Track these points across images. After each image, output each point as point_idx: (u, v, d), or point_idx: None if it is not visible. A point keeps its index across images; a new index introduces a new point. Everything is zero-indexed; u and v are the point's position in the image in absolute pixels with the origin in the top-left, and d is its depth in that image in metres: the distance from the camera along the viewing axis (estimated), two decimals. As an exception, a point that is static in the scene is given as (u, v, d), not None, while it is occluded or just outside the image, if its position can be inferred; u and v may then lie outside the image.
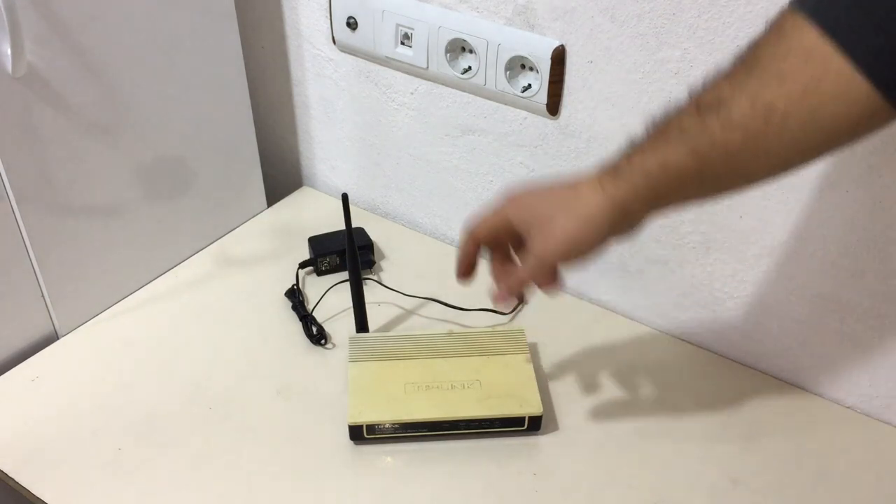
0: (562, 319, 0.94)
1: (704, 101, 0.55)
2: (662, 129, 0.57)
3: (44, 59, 0.77)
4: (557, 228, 0.61)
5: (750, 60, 0.53)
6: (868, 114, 0.50)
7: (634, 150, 0.59)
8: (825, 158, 0.56)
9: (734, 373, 0.88)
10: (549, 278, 0.64)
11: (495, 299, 0.68)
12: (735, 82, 0.53)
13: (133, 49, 0.85)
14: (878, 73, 0.48)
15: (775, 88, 0.51)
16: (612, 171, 0.60)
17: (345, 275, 0.94)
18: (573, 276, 0.97)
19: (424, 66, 0.92)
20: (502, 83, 0.87)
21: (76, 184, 0.85)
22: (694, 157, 0.55)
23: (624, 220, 0.60)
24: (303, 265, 1.00)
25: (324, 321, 0.92)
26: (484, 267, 0.71)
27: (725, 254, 0.84)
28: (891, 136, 0.69)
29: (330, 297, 0.95)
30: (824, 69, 0.49)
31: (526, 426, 0.78)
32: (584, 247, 0.61)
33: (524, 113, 0.90)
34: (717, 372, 0.88)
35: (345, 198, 0.84)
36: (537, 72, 0.84)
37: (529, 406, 0.77)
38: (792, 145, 0.52)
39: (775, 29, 0.52)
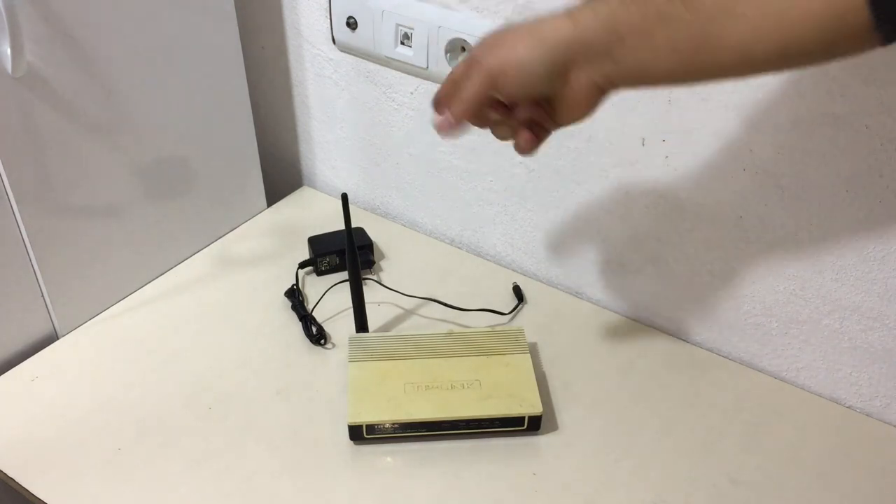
0: (562, 319, 0.94)
1: None
2: None
3: (44, 59, 0.77)
4: (506, 44, 0.57)
5: None
6: (854, 36, 0.47)
7: None
8: (791, 68, 0.54)
9: (734, 372, 0.88)
10: (465, 111, 0.59)
11: (438, 124, 0.61)
12: None
13: (133, 49, 0.85)
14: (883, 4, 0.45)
15: None
16: (584, 4, 0.55)
17: (345, 275, 0.94)
18: (573, 277, 0.98)
19: (424, 66, 0.92)
20: (502, 83, 0.87)
21: (76, 184, 0.85)
22: (655, 14, 0.52)
23: (581, 48, 0.55)
24: (303, 265, 1.00)
25: (324, 321, 0.92)
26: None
27: (725, 253, 0.84)
28: (891, 136, 0.69)
29: (330, 297, 0.95)
30: None
31: (526, 426, 0.78)
32: (528, 65, 0.56)
33: (524, 113, 0.90)
34: (716, 371, 0.88)
35: (344, 198, 0.84)
36: (537, 72, 0.84)
37: (529, 406, 0.77)
38: (749, 29, 0.49)
39: None
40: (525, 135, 0.62)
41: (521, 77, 0.57)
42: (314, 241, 1.01)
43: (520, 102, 0.61)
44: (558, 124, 0.61)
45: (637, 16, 0.53)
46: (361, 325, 0.88)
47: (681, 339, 0.92)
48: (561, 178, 0.92)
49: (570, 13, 0.55)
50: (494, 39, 0.58)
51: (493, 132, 0.64)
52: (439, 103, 0.62)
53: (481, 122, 0.62)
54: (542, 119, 0.62)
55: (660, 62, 0.54)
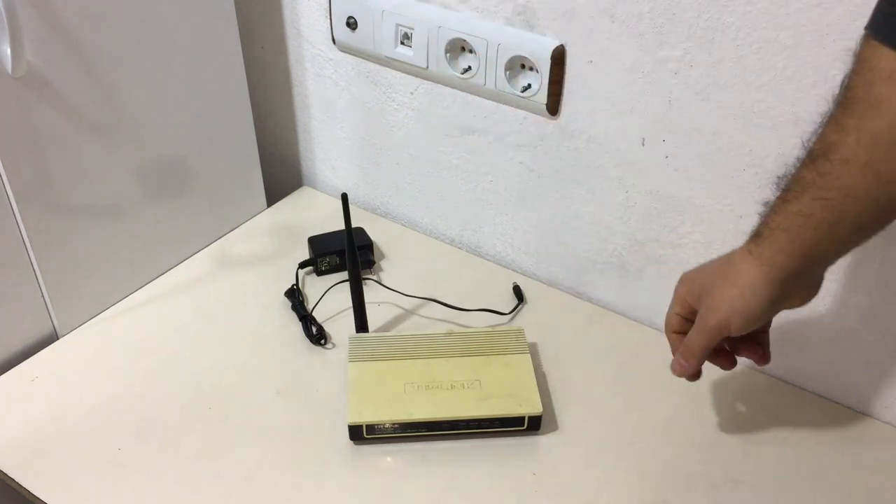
0: (562, 319, 0.94)
1: (814, 150, 0.56)
2: (787, 187, 0.59)
3: (44, 59, 0.77)
4: (719, 299, 0.64)
5: (845, 98, 0.54)
6: None
7: (769, 212, 0.61)
8: None
9: (734, 373, 0.87)
10: (724, 355, 0.71)
11: (673, 369, 0.70)
12: (837, 123, 0.55)
13: (133, 49, 0.85)
14: None
15: (874, 117, 0.52)
16: (756, 237, 0.62)
17: (345, 275, 0.94)
18: (573, 277, 0.98)
19: (424, 66, 0.92)
20: (502, 83, 0.87)
21: (76, 184, 0.85)
22: (819, 204, 0.56)
23: (788, 279, 0.61)
24: (303, 265, 1.00)
25: (324, 321, 0.92)
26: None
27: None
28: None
29: (330, 297, 0.95)
30: None
31: (526, 426, 0.78)
32: (750, 314, 0.63)
33: (524, 113, 0.90)
34: (716, 372, 0.87)
35: (344, 198, 0.84)
36: (537, 72, 0.84)
37: (529, 406, 0.77)
38: None
39: (858, 60, 0.53)
40: (756, 351, 0.71)
41: (746, 323, 0.64)
42: (314, 241, 1.01)
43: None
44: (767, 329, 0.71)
45: (822, 231, 0.58)
46: (361, 325, 0.88)
47: (681, 339, 0.92)
48: (561, 178, 0.92)
49: (749, 249, 0.62)
50: (703, 285, 0.66)
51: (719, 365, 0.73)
52: (671, 347, 0.71)
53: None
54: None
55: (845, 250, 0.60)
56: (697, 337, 0.67)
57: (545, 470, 0.76)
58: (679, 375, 0.69)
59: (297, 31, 1.04)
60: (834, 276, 0.79)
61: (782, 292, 0.62)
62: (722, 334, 0.65)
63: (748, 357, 0.71)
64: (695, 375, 0.70)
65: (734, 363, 0.72)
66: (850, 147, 0.54)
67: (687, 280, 0.69)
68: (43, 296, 0.87)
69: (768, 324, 0.70)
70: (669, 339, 0.71)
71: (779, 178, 0.60)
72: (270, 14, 1.05)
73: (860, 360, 0.81)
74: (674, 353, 0.70)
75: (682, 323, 0.69)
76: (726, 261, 0.65)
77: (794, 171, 0.59)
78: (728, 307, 0.63)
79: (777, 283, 0.61)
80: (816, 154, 0.56)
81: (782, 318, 0.83)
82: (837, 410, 0.83)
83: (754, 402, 0.84)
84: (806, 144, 0.58)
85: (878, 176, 0.53)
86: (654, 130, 0.82)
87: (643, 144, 0.84)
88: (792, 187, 0.58)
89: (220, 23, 0.94)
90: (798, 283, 0.62)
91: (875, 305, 0.78)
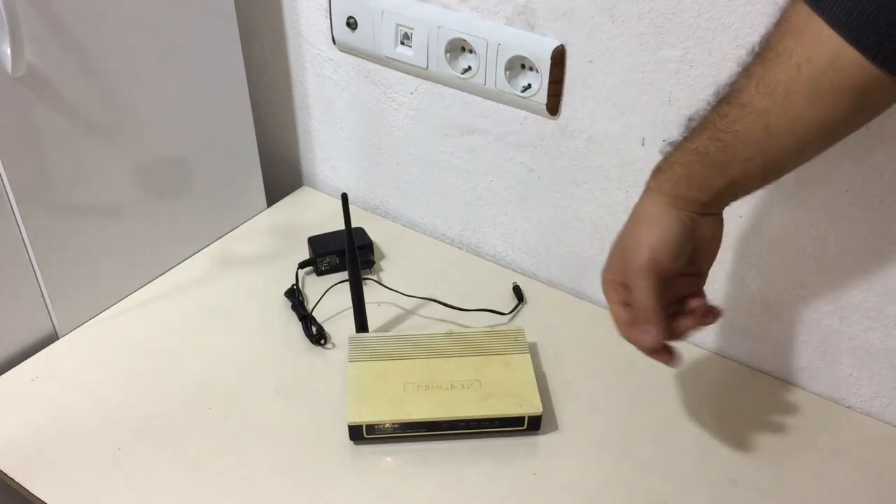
0: (562, 319, 0.94)
1: (722, 93, 0.59)
2: (691, 126, 0.62)
3: (44, 59, 0.77)
4: (636, 241, 0.63)
5: (761, 49, 0.56)
6: (867, 83, 0.52)
7: (671, 149, 0.63)
8: (845, 136, 0.58)
9: (734, 372, 0.88)
10: (656, 311, 0.63)
11: (642, 341, 0.65)
12: (746, 69, 0.57)
13: (133, 49, 0.85)
14: (863, 41, 0.50)
15: (777, 67, 0.55)
16: (656, 172, 0.63)
17: (344, 275, 0.94)
18: (573, 277, 0.98)
19: (424, 66, 0.92)
20: (502, 83, 0.87)
21: (76, 184, 0.85)
22: (714, 144, 0.59)
23: (690, 206, 0.61)
24: (303, 265, 1.00)
25: (324, 321, 0.92)
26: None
27: (725, 253, 0.84)
28: (891, 136, 0.69)
29: (330, 297, 0.95)
30: (815, 41, 0.52)
31: (526, 426, 0.78)
32: (670, 238, 0.62)
33: (524, 113, 0.90)
34: (716, 372, 0.88)
35: (344, 198, 0.84)
36: (537, 72, 0.84)
37: (529, 406, 0.77)
38: (800, 120, 0.55)
39: (780, 15, 0.56)
40: (693, 302, 0.66)
41: (670, 249, 0.62)
42: (314, 241, 1.01)
43: (675, 282, 0.64)
44: (704, 269, 0.67)
45: (713, 157, 0.59)
46: (361, 325, 0.88)
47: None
48: (561, 178, 0.92)
49: (649, 185, 0.63)
50: (620, 252, 0.65)
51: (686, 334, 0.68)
52: (631, 335, 0.66)
53: (671, 328, 0.65)
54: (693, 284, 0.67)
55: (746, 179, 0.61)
56: (638, 289, 0.63)
57: (545, 470, 0.76)
58: (651, 346, 0.64)
59: (297, 31, 1.04)
60: (833, 276, 0.79)
61: (689, 218, 0.62)
62: (657, 269, 0.62)
63: (700, 321, 0.66)
64: (668, 354, 0.65)
65: (713, 311, 0.67)
66: (749, 92, 0.56)
67: (606, 269, 0.67)
68: (43, 296, 0.87)
69: (702, 276, 0.67)
70: (629, 336, 0.66)
71: (689, 118, 0.62)
72: (270, 14, 1.05)
73: (861, 360, 0.81)
74: (630, 336, 0.66)
75: (630, 310, 0.66)
76: (629, 217, 0.65)
77: (700, 113, 0.61)
78: (647, 239, 0.62)
79: (681, 209, 0.61)
80: (721, 97, 0.59)
81: (782, 318, 0.84)
82: (838, 410, 0.83)
83: (754, 402, 0.84)
84: (717, 90, 0.60)
85: (768, 127, 0.56)
86: (654, 130, 0.82)
87: (643, 144, 0.84)
88: (696, 127, 0.61)
89: (220, 23, 0.94)
90: (700, 212, 0.62)
91: (876, 307, 0.78)
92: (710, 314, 0.67)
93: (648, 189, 0.64)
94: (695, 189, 0.61)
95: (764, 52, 0.56)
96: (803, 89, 0.54)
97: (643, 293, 0.63)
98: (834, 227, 0.76)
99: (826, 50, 0.52)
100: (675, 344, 0.66)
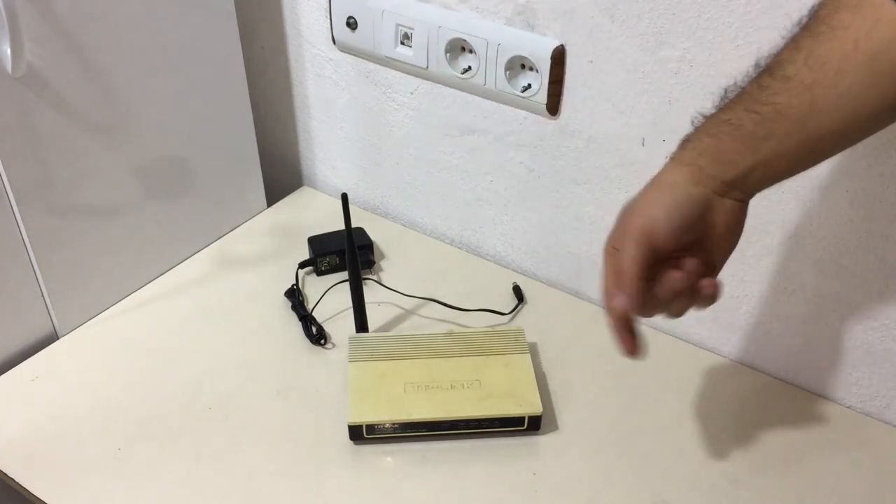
0: (562, 319, 0.94)
1: (763, 65, 0.55)
2: (728, 97, 0.57)
3: (44, 59, 0.77)
4: (640, 204, 0.59)
5: (809, 20, 0.53)
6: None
7: (703, 120, 0.59)
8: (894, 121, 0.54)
9: (734, 372, 0.88)
10: (634, 278, 0.58)
11: (611, 306, 0.60)
12: (793, 41, 0.54)
13: (133, 49, 0.85)
14: None
15: (830, 41, 0.51)
16: (683, 142, 0.59)
17: (345, 275, 0.94)
18: (573, 277, 0.97)
19: (424, 66, 0.92)
20: (502, 83, 0.87)
21: (76, 184, 0.85)
22: (750, 116, 0.55)
23: (708, 181, 0.57)
24: (303, 265, 1.00)
25: (324, 321, 0.92)
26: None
27: (725, 254, 0.84)
28: (890, 135, 0.69)
29: (330, 297, 0.95)
30: (876, 15, 0.49)
31: (526, 426, 0.78)
32: (673, 207, 0.57)
33: (524, 113, 0.90)
34: (716, 372, 0.88)
35: (344, 198, 0.84)
36: (537, 72, 0.84)
37: (529, 406, 0.77)
38: (851, 98, 0.51)
39: None
40: (704, 281, 0.60)
41: (670, 219, 0.57)
42: (314, 241, 1.01)
43: (673, 257, 0.59)
44: (719, 261, 0.61)
45: (747, 132, 0.55)
46: (361, 325, 0.88)
47: (680, 338, 0.92)
48: (561, 178, 0.92)
49: (673, 157, 0.58)
50: (623, 216, 0.59)
51: (672, 309, 0.62)
52: (609, 295, 0.60)
53: (652, 301, 0.60)
54: (700, 268, 0.61)
55: (779, 163, 0.56)
56: (625, 252, 0.58)
57: (545, 470, 0.76)
58: (616, 311, 0.59)
59: (297, 31, 1.04)
60: (833, 276, 0.79)
61: (703, 196, 0.57)
62: (649, 237, 0.57)
63: (702, 300, 0.61)
64: (630, 335, 0.60)
65: (706, 283, 0.60)
66: (796, 65, 0.52)
67: (610, 235, 0.61)
68: (43, 296, 0.87)
69: (715, 269, 0.61)
70: (604, 303, 0.60)
71: (725, 90, 0.58)
72: (270, 14, 1.05)
73: (861, 360, 0.81)
74: (608, 295, 0.60)
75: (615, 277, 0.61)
76: (646, 184, 0.60)
77: (739, 84, 0.57)
78: (650, 204, 0.58)
79: (698, 183, 0.57)
80: (763, 69, 0.55)
81: (782, 317, 0.84)
82: (838, 411, 0.83)
83: (754, 402, 0.84)
84: (759, 63, 0.56)
85: (814, 103, 0.52)
86: (654, 130, 0.82)
87: (643, 144, 0.84)
88: (732, 98, 0.57)
89: (220, 23, 0.94)
90: (720, 192, 0.57)
91: (876, 307, 0.78)
92: (705, 292, 0.60)
93: (671, 158, 0.59)
94: (719, 164, 0.56)
95: (814, 26, 0.52)
96: (859, 66, 0.50)
97: (628, 256, 0.57)
98: (834, 226, 0.76)
99: (889, 26, 0.48)
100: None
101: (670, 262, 0.59)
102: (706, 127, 0.57)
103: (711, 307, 0.87)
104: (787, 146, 0.54)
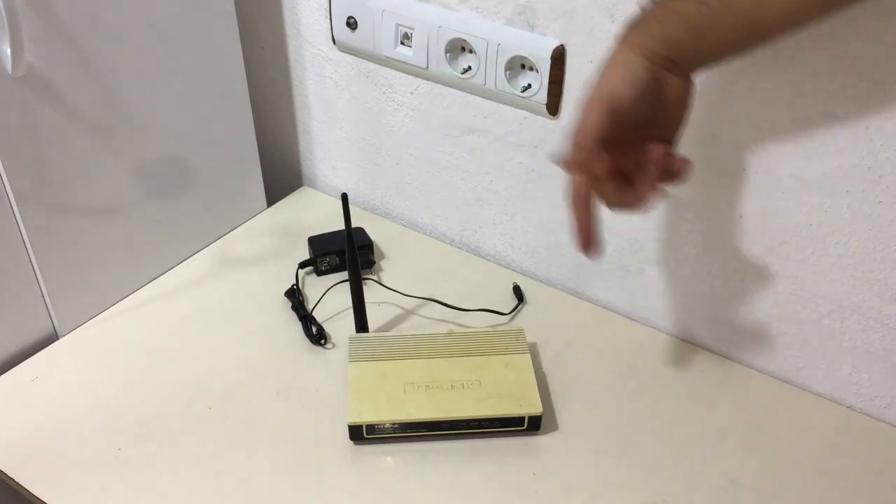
0: (562, 319, 0.94)
1: None
2: None
3: (44, 59, 0.77)
4: (600, 78, 0.62)
5: None
6: None
7: (652, 7, 0.61)
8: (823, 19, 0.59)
9: (734, 372, 0.88)
10: (594, 134, 0.61)
11: (566, 165, 0.63)
12: None
13: (133, 49, 0.85)
14: None
15: None
16: (630, 26, 0.62)
17: (345, 275, 0.94)
18: (573, 277, 0.98)
19: (424, 66, 0.92)
20: (502, 83, 0.87)
21: (76, 184, 0.85)
22: (697, 7, 0.58)
23: (658, 60, 0.60)
24: (303, 265, 1.00)
25: (324, 321, 0.92)
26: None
27: (725, 253, 0.84)
28: (891, 136, 0.69)
29: (330, 297, 0.95)
30: None
31: (526, 426, 0.78)
32: (633, 78, 0.60)
33: (524, 113, 0.90)
34: (716, 372, 0.88)
35: (344, 198, 0.84)
36: (537, 72, 0.84)
37: (529, 406, 0.77)
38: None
39: None
40: (671, 159, 0.63)
41: (632, 87, 0.60)
42: (314, 241, 1.01)
43: (629, 133, 0.62)
44: (671, 135, 0.65)
45: (692, 14, 0.59)
46: (361, 325, 0.88)
47: (681, 339, 0.92)
48: (561, 178, 0.92)
49: (621, 36, 0.61)
50: (589, 92, 0.62)
51: (615, 198, 0.65)
52: (573, 207, 0.64)
53: (603, 180, 0.63)
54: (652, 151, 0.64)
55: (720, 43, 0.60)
56: (585, 117, 0.61)
57: (545, 470, 0.76)
58: (574, 169, 0.63)
59: (297, 31, 1.04)
60: (833, 276, 0.79)
61: (656, 70, 0.60)
62: (612, 101, 0.60)
63: (665, 175, 0.63)
64: (586, 211, 0.64)
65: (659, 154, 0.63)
66: None
67: (575, 132, 0.63)
68: (43, 296, 0.87)
69: (670, 143, 0.65)
70: (570, 208, 0.65)
71: None
72: (270, 14, 1.05)
73: (861, 360, 0.81)
74: (569, 163, 0.63)
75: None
76: (601, 68, 0.63)
77: None
78: (611, 76, 0.61)
79: (651, 62, 0.60)
80: None
81: (782, 318, 0.84)
82: (838, 410, 0.83)
83: (754, 402, 0.84)
84: None
85: None
86: (654, 130, 0.82)
87: (643, 144, 0.84)
88: None
89: (220, 23, 0.94)
90: (669, 69, 0.61)
91: (876, 307, 0.78)
92: (676, 168, 0.63)
93: (621, 42, 0.61)
94: (668, 48, 0.60)
95: None
96: None
97: (589, 118, 0.61)
98: (834, 226, 0.76)
99: None
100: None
101: (637, 147, 0.62)
102: (655, 14, 0.61)
103: (711, 307, 0.88)
104: (733, 36, 0.59)
